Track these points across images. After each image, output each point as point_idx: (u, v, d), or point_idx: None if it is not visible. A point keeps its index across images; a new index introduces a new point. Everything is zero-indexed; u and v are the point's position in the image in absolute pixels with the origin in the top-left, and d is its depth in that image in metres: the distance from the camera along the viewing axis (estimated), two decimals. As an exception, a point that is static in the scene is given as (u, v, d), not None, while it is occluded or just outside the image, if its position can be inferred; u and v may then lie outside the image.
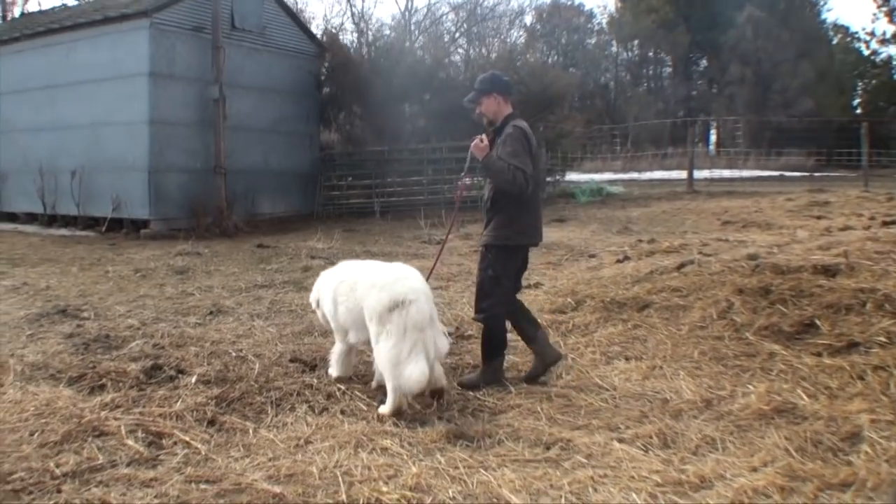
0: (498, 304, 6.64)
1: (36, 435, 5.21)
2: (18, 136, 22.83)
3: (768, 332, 7.03)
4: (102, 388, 6.33)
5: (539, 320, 8.55)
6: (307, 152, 25.03)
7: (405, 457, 5.00)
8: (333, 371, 6.78)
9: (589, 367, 6.93)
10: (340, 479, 4.66)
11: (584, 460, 4.89)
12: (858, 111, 59.58)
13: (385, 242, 16.41)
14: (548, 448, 5.16)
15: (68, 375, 6.56)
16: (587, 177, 33.90)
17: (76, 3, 36.29)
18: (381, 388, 6.21)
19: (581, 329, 8.19)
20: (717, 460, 4.79)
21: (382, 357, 5.85)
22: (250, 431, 5.52)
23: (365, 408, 6.02)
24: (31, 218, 22.39)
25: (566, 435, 5.33)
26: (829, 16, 68.53)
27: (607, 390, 6.28)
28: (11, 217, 22.99)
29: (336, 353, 6.76)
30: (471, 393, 6.44)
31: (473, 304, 6.86)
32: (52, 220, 21.62)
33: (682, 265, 9.63)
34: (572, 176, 31.23)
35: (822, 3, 63.16)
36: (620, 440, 5.21)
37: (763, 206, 19.95)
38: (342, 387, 6.45)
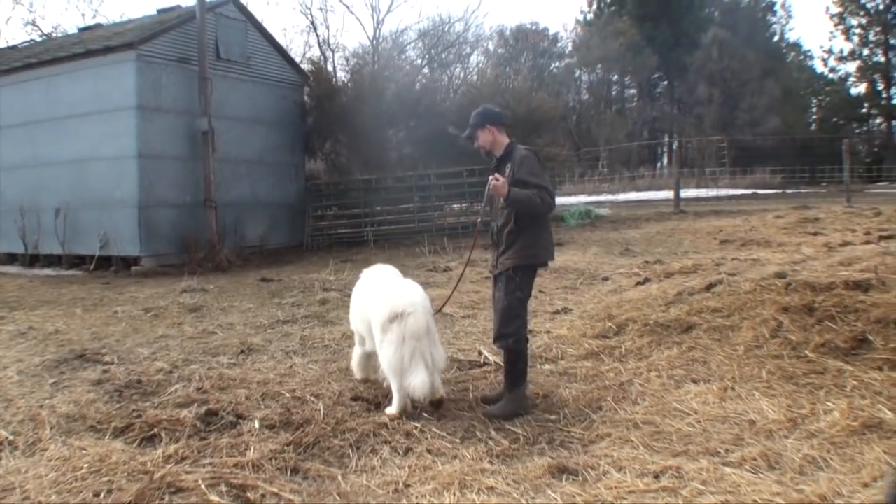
0: (523, 326, 6.65)
1: (103, 496, 4.80)
2: (-6, 175, 22.23)
3: (826, 350, 6.90)
4: (154, 438, 5.98)
5: (587, 346, 8.45)
6: (293, 183, 24.80)
7: (516, 495, 4.74)
8: (356, 374, 7.48)
9: (661, 391, 6.70)
10: (462, 524, 4.36)
11: (700, 487, 4.68)
12: (813, 127, 60.65)
13: (391, 272, 16.10)
14: (657, 477, 4.93)
15: (112, 426, 6.19)
16: (572, 199, 33.95)
17: (42, 38, 35.88)
18: (458, 422, 6.22)
19: (635, 353, 7.97)
20: (829, 479, 4.65)
21: (385, 363, 6.45)
22: (339, 478, 5.18)
23: (450, 446, 5.72)
24: (10, 258, 21.83)
25: (671, 462, 5.10)
26: (790, 35, 69.46)
27: (689, 414, 6.07)
28: (-11, 258, 22.36)
29: (355, 356, 7.50)
30: (552, 423, 6.20)
31: (497, 330, 6.67)
32: (33, 259, 21.04)
33: (711, 286, 9.54)
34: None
35: (784, 22, 64.40)
36: (727, 464, 5.03)
37: (755, 224, 19.98)
38: (418, 425, 6.15)
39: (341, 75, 34.33)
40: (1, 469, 5.30)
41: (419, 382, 6.16)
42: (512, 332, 6.50)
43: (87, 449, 5.58)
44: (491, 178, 6.37)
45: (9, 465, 5.39)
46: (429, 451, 5.61)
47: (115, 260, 19.53)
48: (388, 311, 6.41)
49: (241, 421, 6.28)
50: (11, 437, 5.95)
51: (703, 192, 35.16)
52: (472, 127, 6.79)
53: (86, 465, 5.24)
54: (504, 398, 6.58)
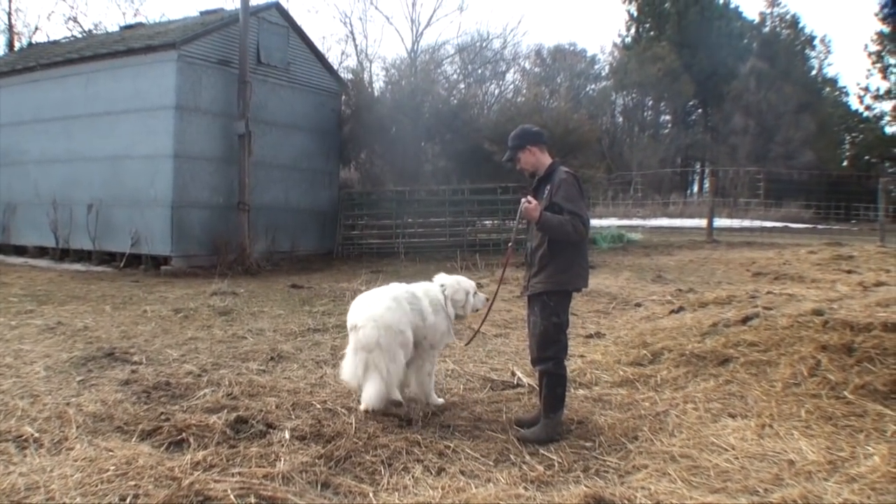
0: (562, 351, 6.50)
1: (129, 500, 4.73)
2: (31, 168, 22.41)
3: (865, 392, 6.73)
4: (182, 443, 5.91)
5: (622, 372, 8.31)
6: (326, 190, 24.83)
7: (551, 525, 4.59)
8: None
9: (698, 424, 6.55)
10: (494, 551, 4.25)
11: (741, 527, 4.49)
12: (845, 164, 60.22)
13: (421, 286, 16.02)
14: (696, 514, 4.76)
15: (140, 428, 6.14)
16: (604, 222, 33.83)
17: (82, 35, 36.13)
18: (491, 444, 6.13)
19: (671, 383, 7.82)
20: None
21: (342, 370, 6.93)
22: (370, 495, 5.07)
23: (483, 468, 5.61)
24: (41, 252, 21.94)
25: (710, 499, 4.97)
26: (827, 70, 69.06)
27: (727, 450, 5.91)
28: (20, 250, 22.54)
29: None
30: (587, 451, 6.07)
31: (534, 353, 6.54)
32: (64, 254, 21.17)
33: (747, 318, 9.38)
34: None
35: (823, 57, 64.12)
36: (767, 504, 4.84)
37: (788, 258, 19.71)
38: (451, 444, 6.04)
39: (378, 85, 34.46)
40: (25, 467, 5.24)
41: (367, 394, 6.58)
42: (551, 355, 6.36)
43: (114, 450, 5.53)
44: (523, 200, 6.27)
45: (33, 463, 5.34)
46: (462, 473, 5.49)
47: (145, 258, 19.61)
48: (348, 322, 6.82)
49: (271, 430, 6.21)
50: (37, 435, 5.91)
51: (735, 223, 34.88)
52: (513, 149, 6.62)
53: (112, 468, 5.18)
54: (540, 422, 6.43)
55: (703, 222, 29.98)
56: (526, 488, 5.22)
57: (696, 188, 66.96)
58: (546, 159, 6.59)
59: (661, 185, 52.81)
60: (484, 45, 46.50)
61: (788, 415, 6.53)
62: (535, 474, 5.50)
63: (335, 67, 28.21)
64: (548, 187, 6.39)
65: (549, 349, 6.36)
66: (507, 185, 22.91)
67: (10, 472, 5.12)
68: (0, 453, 5.52)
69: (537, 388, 6.76)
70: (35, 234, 22.03)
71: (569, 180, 6.34)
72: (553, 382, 6.41)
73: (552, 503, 4.96)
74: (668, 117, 68.69)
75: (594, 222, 32.09)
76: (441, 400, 7.22)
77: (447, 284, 7.29)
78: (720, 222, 32.49)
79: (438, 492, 5.09)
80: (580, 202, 6.30)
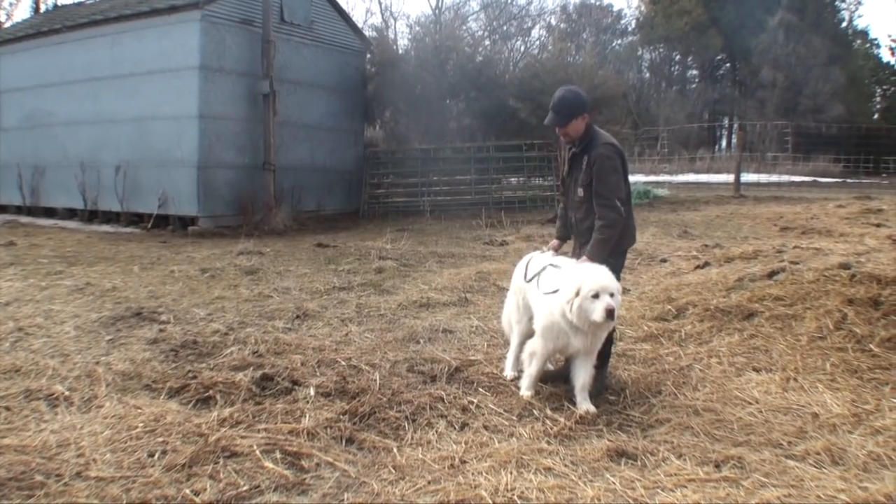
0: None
1: (157, 456, 4.82)
2: (58, 130, 22.49)
3: (891, 345, 6.70)
4: (209, 400, 5.99)
5: (646, 328, 8.31)
6: (352, 149, 24.79)
7: (574, 478, 4.63)
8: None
9: (722, 378, 6.56)
10: (518, 504, 4.29)
11: (763, 479, 4.56)
12: (875, 117, 59.52)
13: (446, 243, 16.04)
14: (718, 466, 4.81)
15: (167, 386, 6.22)
16: (630, 179, 33.61)
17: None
18: (514, 399, 6.11)
19: (695, 338, 7.80)
20: (895, 477, 4.52)
21: None
22: (394, 450, 5.13)
23: (507, 423, 5.65)
24: (70, 213, 22.09)
25: (732, 452, 4.99)
26: (858, 22, 68.09)
27: (751, 404, 5.93)
28: (49, 212, 22.70)
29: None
30: (611, 405, 6.10)
31: None
32: (92, 215, 21.32)
33: (773, 273, 9.27)
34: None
35: (854, 8, 63.17)
36: (789, 457, 4.92)
37: (816, 212, 19.54)
38: (474, 400, 6.08)
39: (403, 43, 34.34)
40: (57, 424, 5.34)
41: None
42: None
43: (143, 408, 5.61)
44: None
45: (64, 420, 5.44)
46: (485, 428, 5.53)
47: (173, 219, 19.71)
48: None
49: (296, 387, 6.26)
50: (67, 393, 6.00)
51: (762, 178, 34.60)
52: (567, 116, 6.17)
53: (141, 425, 5.28)
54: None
55: (730, 178, 29.75)
56: (549, 442, 5.26)
57: (723, 143, 66.36)
58: (584, 126, 6.29)
59: (688, 140, 52.37)
60: (509, 1, 46.26)
61: (813, 368, 6.53)
62: (557, 428, 5.52)
63: (360, 25, 28.11)
64: (585, 158, 6.19)
65: None
66: (532, 141, 22.78)
67: (42, 430, 5.22)
68: (32, 411, 5.61)
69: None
70: (64, 196, 22.15)
71: (605, 156, 6.09)
72: (609, 339, 6.38)
73: (575, 457, 4.98)
74: (695, 72, 68.08)
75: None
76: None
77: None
78: (748, 177, 32.24)
79: (462, 446, 5.14)
80: (613, 179, 6.11)
